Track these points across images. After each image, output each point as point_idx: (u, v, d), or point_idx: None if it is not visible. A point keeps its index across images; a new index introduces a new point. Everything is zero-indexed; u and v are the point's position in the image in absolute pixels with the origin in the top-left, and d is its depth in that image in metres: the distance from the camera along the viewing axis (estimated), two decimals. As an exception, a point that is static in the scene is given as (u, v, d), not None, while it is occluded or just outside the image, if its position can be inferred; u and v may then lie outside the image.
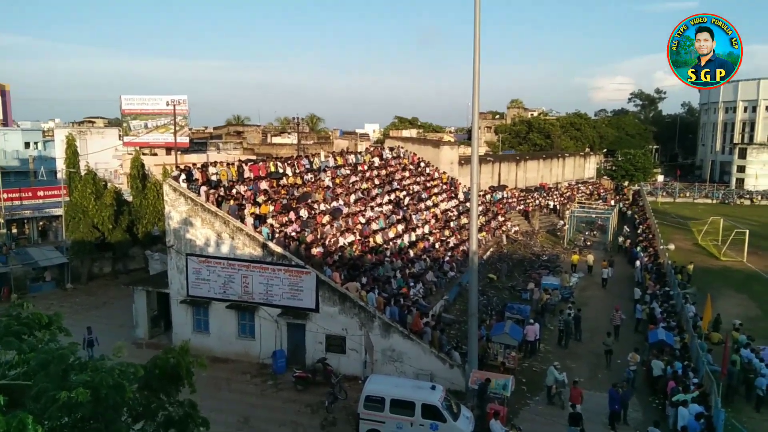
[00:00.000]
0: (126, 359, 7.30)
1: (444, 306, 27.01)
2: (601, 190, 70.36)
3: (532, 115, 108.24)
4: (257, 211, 24.17)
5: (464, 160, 50.40)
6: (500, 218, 45.36)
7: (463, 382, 19.27)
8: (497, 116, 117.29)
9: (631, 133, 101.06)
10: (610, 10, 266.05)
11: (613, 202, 59.90)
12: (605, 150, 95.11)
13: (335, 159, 35.04)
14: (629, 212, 56.09)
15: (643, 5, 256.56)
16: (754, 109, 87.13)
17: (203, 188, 23.03)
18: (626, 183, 74.39)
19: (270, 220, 23.80)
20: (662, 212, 58.79)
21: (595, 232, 47.94)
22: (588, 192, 67.01)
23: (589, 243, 43.69)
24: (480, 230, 38.02)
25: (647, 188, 72.08)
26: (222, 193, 23.83)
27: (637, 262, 35.02)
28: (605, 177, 79.89)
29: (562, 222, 48.83)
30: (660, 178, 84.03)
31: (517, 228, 46.01)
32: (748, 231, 40.83)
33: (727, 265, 37.87)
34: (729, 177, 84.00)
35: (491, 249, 38.61)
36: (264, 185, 27.05)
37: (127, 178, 39.71)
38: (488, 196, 50.49)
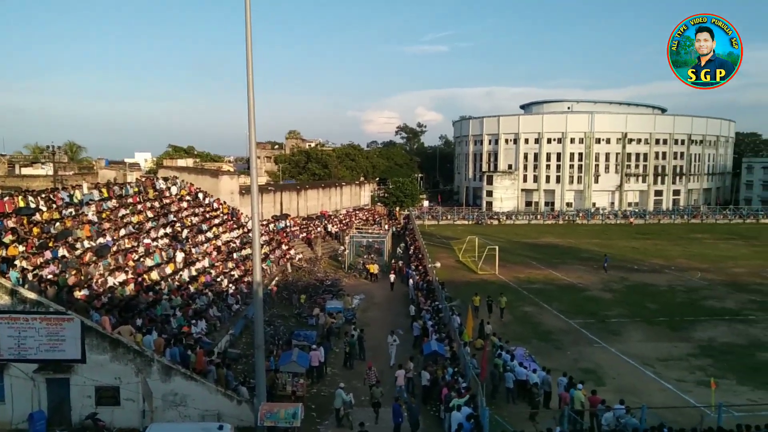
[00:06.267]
0: None
1: (230, 341, 26.13)
2: (376, 216, 75.16)
3: (309, 145, 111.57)
4: (4, 252, 20.89)
5: (245, 190, 49.78)
6: (284, 247, 45.62)
7: (252, 417, 18.76)
8: (276, 146, 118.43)
9: (399, 163, 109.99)
10: (377, 49, 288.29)
11: (387, 227, 64.26)
12: (378, 179, 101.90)
13: (100, 191, 32.03)
14: (402, 246, 60.58)
15: (404, 46, 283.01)
16: (497, 142, 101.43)
17: (-72, 229, 19.22)
18: (397, 208, 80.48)
19: (20, 263, 20.74)
20: (429, 234, 64.87)
21: (372, 255, 50.79)
22: (364, 218, 70.99)
23: (366, 266, 46.08)
24: (264, 260, 37.77)
25: (415, 213, 79.04)
26: (-46, 234, 20.15)
27: (411, 281, 37.94)
28: (379, 204, 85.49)
29: (342, 247, 50.86)
30: (425, 203, 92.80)
31: (301, 256, 46.69)
32: (497, 247, 47.04)
33: (483, 278, 43.03)
34: (480, 201, 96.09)
35: (276, 278, 38.56)
36: (11, 223, 23.53)
37: None
38: (271, 226, 50.48)
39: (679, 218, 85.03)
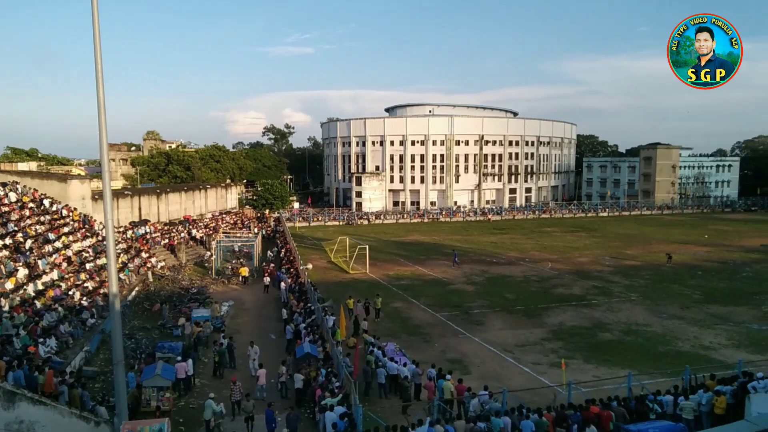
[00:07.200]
0: None
1: (85, 358, 24.12)
2: (245, 219, 73.22)
3: (170, 147, 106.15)
4: None
5: (98, 195, 46.19)
6: (144, 255, 42.94)
7: (113, 438, 17.49)
8: (133, 148, 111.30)
9: (267, 164, 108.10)
10: (237, 49, 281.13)
11: (256, 230, 62.88)
12: (245, 181, 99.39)
13: None
14: (274, 250, 59.55)
15: (266, 47, 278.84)
16: (364, 144, 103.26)
17: None
18: (267, 211, 79.05)
19: None
20: (300, 236, 64.49)
21: (241, 260, 49.43)
22: (232, 222, 68.86)
23: (236, 271, 44.77)
24: (122, 269, 35.38)
25: (286, 215, 78.13)
26: None
27: (282, 284, 37.44)
28: (247, 206, 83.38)
29: (209, 253, 48.93)
30: (296, 205, 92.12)
31: (163, 263, 44.21)
32: (368, 247, 47.87)
33: (355, 277, 43.60)
34: (350, 201, 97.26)
35: (136, 288, 36.19)
36: None
37: None
38: (129, 233, 47.32)
39: (531, 214, 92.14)
